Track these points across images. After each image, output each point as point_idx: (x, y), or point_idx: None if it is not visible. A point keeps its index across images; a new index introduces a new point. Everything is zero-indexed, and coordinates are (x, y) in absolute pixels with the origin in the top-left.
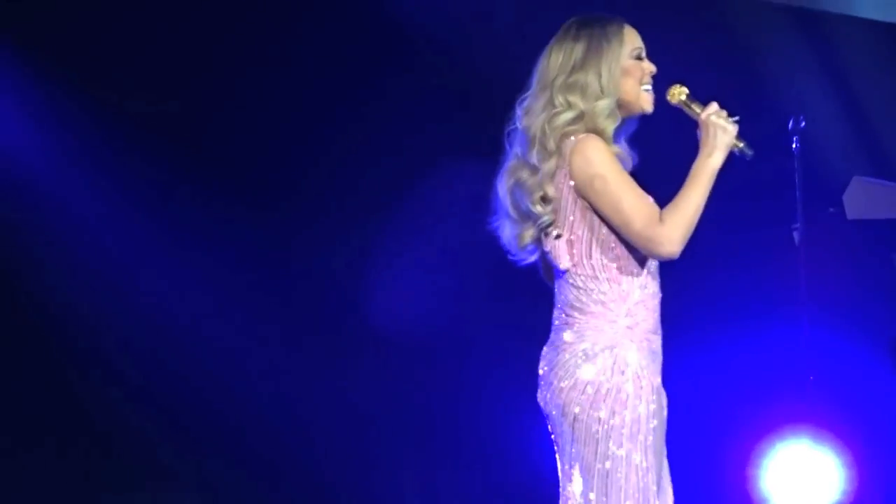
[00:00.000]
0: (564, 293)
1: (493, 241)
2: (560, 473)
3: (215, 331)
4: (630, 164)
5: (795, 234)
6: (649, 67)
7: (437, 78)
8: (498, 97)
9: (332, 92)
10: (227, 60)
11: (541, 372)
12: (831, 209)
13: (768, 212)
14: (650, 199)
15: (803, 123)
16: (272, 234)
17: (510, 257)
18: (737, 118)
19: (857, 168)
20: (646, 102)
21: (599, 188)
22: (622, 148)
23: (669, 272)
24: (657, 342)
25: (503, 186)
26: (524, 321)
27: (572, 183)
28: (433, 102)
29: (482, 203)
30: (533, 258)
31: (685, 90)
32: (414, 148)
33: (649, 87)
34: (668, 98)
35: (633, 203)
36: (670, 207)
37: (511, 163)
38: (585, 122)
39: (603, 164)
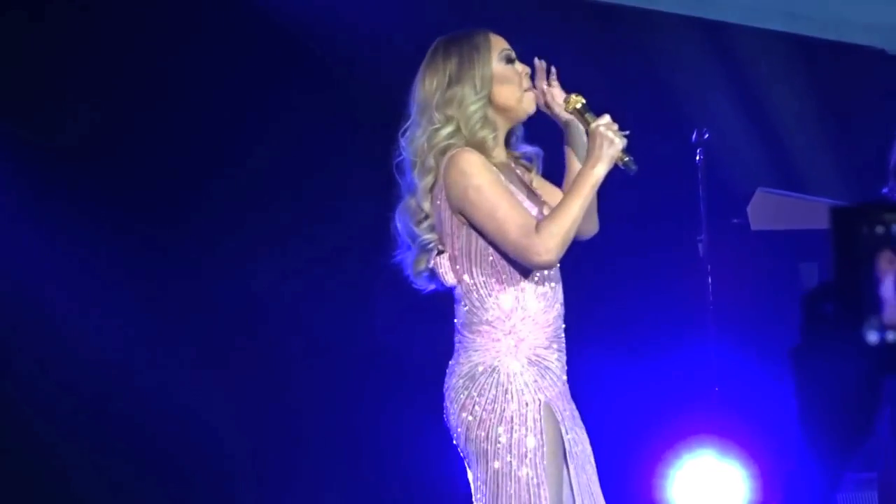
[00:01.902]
0: (457, 312)
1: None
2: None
3: (119, 341)
4: (537, 166)
5: (700, 246)
6: (523, 69)
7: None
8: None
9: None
10: (136, 69)
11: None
12: (735, 220)
13: (673, 223)
14: (526, 209)
15: (707, 135)
16: (175, 244)
17: (414, 286)
18: (626, 132)
19: (761, 180)
20: (528, 104)
21: (474, 198)
22: (525, 152)
23: (575, 283)
24: (552, 357)
25: (400, 219)
26: (436, 337)
27: (448, 197)
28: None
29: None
30: (434, 286)
31: (582, 100)
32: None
33: (529, 86)
34: (565, 106)
35: (507, 212)
36: (548, 217)
37: (406, 196)
38: (464, 135)
39: (478, 175)
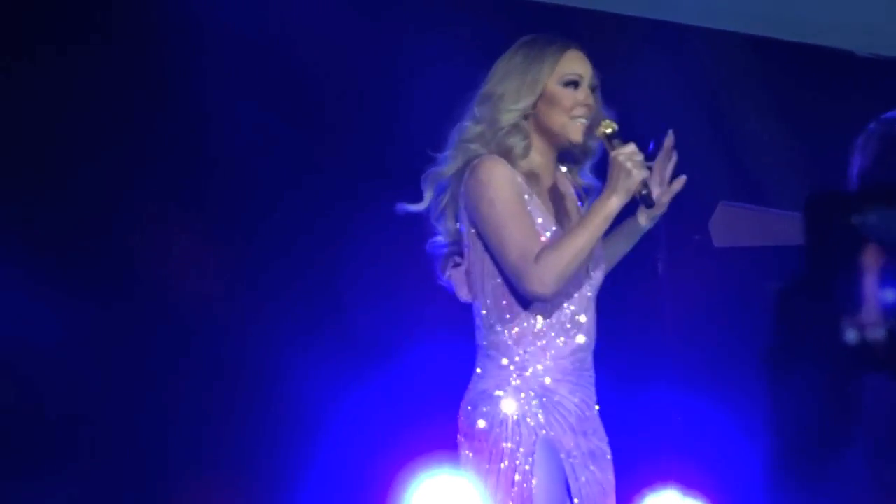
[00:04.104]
0: (475, 332)
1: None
2: None
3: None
4: (592, 197)
5: (659, 265)
6: (582, 98)
7: None
8: None
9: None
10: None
11: None
12: (697, 237)
13: None
14: (535, 234)
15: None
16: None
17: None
18: (650, 164)
19: (723, 192)
20: (573, 132)
21: (485, 212)
22: (583, 179)
23: None
24: (564, 391)
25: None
26: None
27: (465, 206)
28: None
29: None
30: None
31: (612, 126)
32: None
33: (582, 118)
34: (595, 132)
35: (512, 233)
36: (551, 246)
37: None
38: (492, 139)
39: (494, 188)
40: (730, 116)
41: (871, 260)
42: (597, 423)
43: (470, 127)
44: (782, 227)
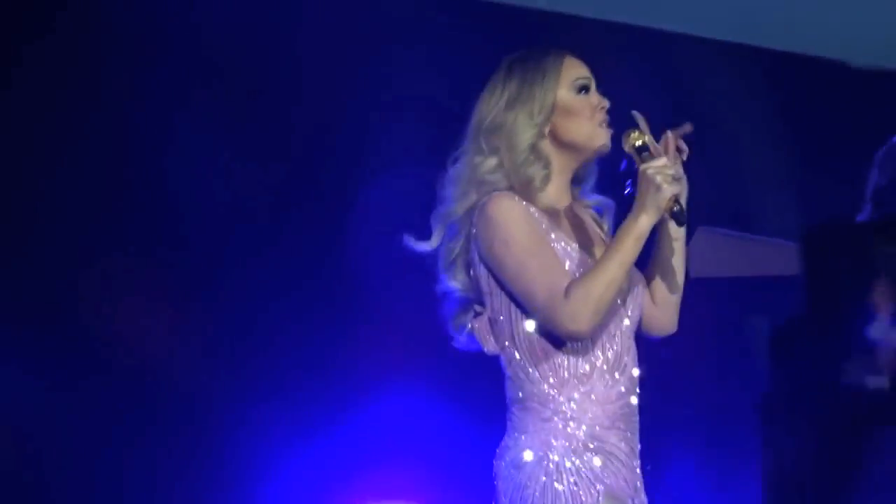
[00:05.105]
0: (506, 385)
1: None
2: None
3: None
4: (608, 221)
5: None
6: (598, 101)
7: None
8: None
9: None
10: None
11: None
12: None
13: None
14: (561, 270)
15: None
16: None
17: (455, 345)
18: (681, 176)
19: (702, 216)
20: (599, 140)
21: (500, 255)
22: (596, 201)
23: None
24: (614, 439)
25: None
26: None
27: (478, 250)
28: None
29: None
30: (475, 347)
31: (642, 138)
32: None
33: (604, 122)
34: (623, 144)
35: (535, 272)
36: (580, 278)
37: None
38: (511, 169)
39: (508, 226)
40: (711, 132)
41: (882, 298)
42: (640, 479)
43: (485, 161)
44: (769, 257)
